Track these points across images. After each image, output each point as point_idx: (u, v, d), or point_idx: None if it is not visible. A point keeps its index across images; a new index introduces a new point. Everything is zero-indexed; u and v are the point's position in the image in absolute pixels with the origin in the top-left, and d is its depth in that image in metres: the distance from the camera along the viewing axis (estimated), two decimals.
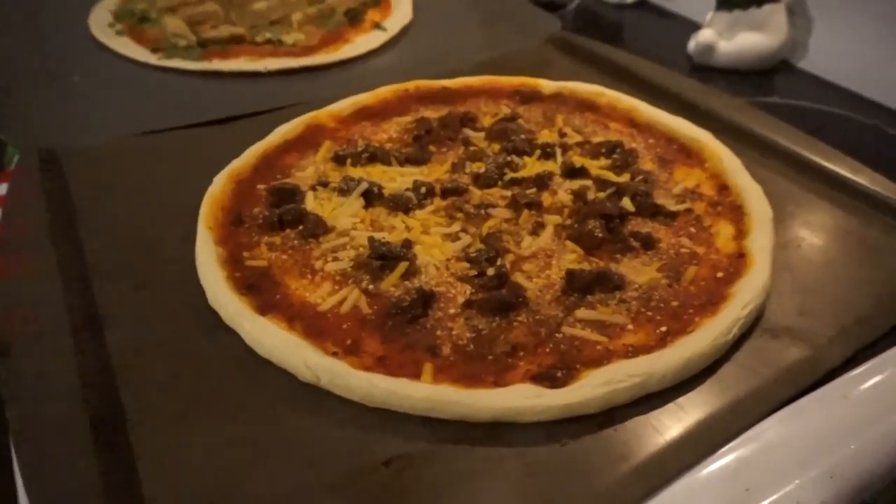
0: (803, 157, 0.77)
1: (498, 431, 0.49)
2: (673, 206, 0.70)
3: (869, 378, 0.54)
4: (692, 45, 1.06)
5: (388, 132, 0.83)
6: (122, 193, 0.73)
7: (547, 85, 0.90)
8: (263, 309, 0.57)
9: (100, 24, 1.10)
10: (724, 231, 0.67)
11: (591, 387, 0.50)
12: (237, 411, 0.50)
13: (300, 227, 0.66)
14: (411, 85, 0.90)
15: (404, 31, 1.13)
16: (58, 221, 0.68)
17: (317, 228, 0.65)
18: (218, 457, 0.47)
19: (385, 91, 0.89)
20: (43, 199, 0.71)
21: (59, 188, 0.74)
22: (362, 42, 1.07)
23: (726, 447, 0.49)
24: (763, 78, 1.04)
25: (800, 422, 0.51)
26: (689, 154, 0.78)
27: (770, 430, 0.50)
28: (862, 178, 0.73)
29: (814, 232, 0.69)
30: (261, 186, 0.73)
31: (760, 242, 0.64)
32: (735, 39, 1.03)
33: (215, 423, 0.49)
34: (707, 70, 1.06)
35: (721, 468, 0.48)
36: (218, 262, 0.61)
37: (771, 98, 0.98)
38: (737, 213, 0.68)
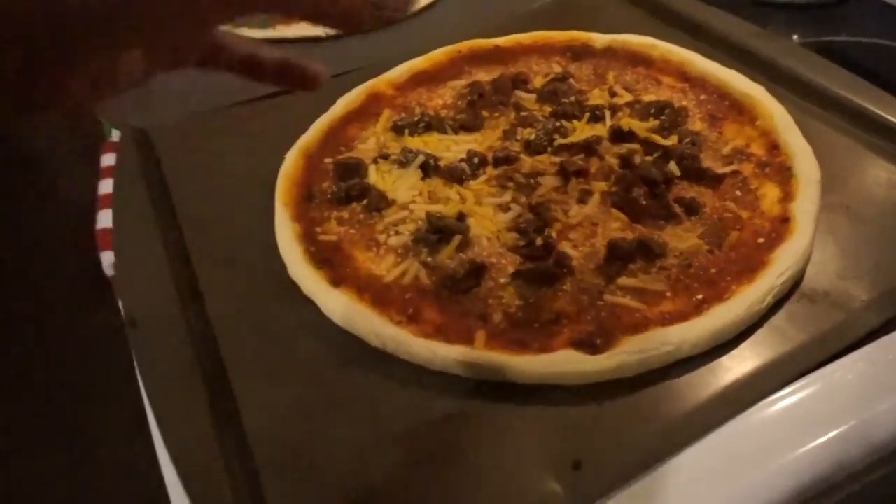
0: (864, 110, 0.75)
1: (542, 392, 0.56)
2: (720, 169, 0.71)
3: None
4: None
5: (444, 97, 0.87)
6: (206, 170, 0.81)
7: (598, 39, 0.90)
8: (336, 281, 0.65)
9: None
10: (770, 193, 0.69)
11: (627, 354, 0.56)
12: (317, 372, 0.59)
13: (365, 202, 0.73)
14: (464, 46, 0.92)
15: None
16: (158, 201, 0.78)
17: (380, 203, 0.72)
18: (301, 408, 0.56)
19: (438, 54, 0.92)
20: (142, 179, 0.80)
21: (153, 167, 0.83)
22: None
23: (753, 407, 0.54)
24: (831, 10, 0.98)
25: (828, 384, 0.55)
26: (740, 111, 0.77)
27: (800, 391, 0.54)
28: None
29: (865, 192, 0.69)
30: (328, 160, 0.79)
31: (805, 206, 0.65)
32: None
33: (298, 381, 0.59)
34: (768, 5, 1.01)
35: (747, 426, 0.53)
36: (295, 238, 0.69)
37: (840, 36, 0.93)
38: (785, 175, 0.69)
